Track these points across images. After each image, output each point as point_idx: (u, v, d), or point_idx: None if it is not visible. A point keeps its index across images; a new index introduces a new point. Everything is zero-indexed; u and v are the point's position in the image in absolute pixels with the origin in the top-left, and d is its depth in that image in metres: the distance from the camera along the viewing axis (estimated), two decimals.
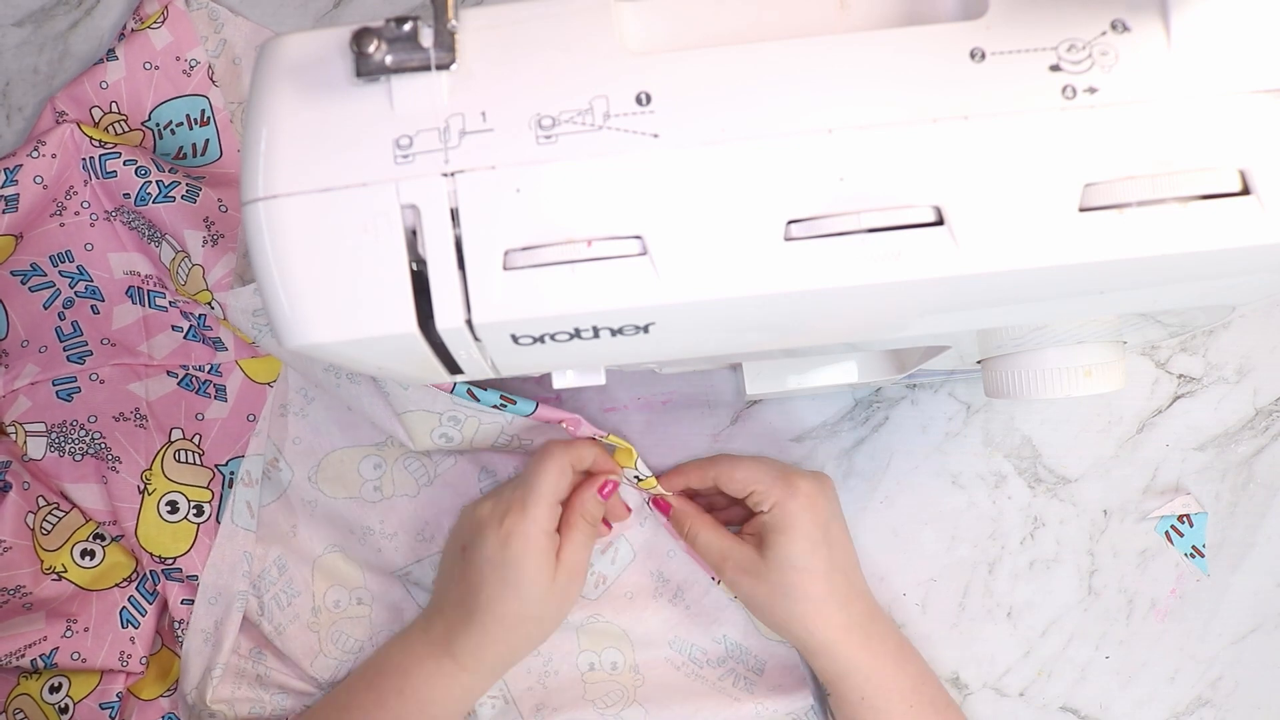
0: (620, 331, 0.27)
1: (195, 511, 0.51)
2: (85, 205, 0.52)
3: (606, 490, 0.46)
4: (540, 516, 0.43)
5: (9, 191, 0.49)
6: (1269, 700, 0.52)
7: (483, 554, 0.44)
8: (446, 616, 0.46)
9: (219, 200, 0.51)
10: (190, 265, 0.49)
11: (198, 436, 0.52)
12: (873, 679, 0.45)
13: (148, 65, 0.53)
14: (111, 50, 0.53)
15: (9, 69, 0.55)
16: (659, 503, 0.50)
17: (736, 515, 0.51)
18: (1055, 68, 0.25)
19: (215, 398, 0.52)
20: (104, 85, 0.52)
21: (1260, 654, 0.52)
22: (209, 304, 0.49)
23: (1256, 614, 0.52)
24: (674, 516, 0.49)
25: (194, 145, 0.53)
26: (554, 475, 0.44)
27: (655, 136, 0.25)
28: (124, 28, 0.54)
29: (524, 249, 0.25)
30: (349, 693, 0.48)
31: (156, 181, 0.50)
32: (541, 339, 0.27)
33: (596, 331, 0.27)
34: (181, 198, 0.50)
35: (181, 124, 0.53)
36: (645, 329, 0.27)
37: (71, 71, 0.54)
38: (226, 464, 0.52)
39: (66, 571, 0.49)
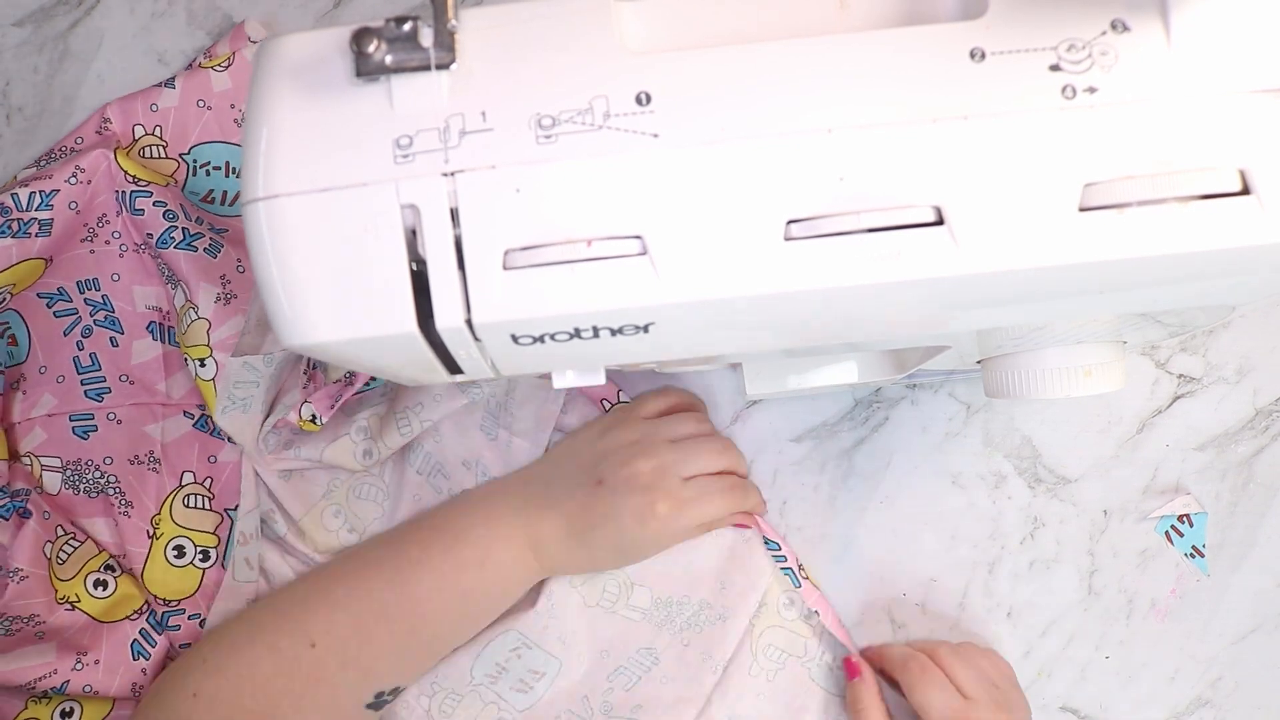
0: (620, 331, 0.27)
1: (201, 556, 0.51)
2: (116, 235, 0.52)
3: (744, 523, 0.51)
4: (691, 521, 0.46)
5: (44, 215, 0.49)
6: (1269, 700, 0.52)
7: (625, 513, 0.45)
8: (549, 521, 0.46)
9: (238, 260, 0.51)
10: (195, 318, 0.49)
11: (209, 480, 0.52)
12: None
13: (201, 103, 0.53)
14: (172, 79, 0.53)
15: (9, 69, 0.55)
16: (849, 665, 0.50)
17: None
18: (1055, 67, 0.25)
19: (230, 440, 0.52)
20: (154, 108, 0.53)
21: (1260, 654, 0.52)
22: (199, 360, 0.49)
23: (1256, 614, 0.52)
24: (853, 688, 0.49)
25: (224, 193, 0.53)
26: (728, 508, 0.48)
27: (655, 136, 0.25)
28: (193, 61, 0.54)
29: (524, 249, 0.25)
30: (421, 548, 0.47)
31: (182, 229, 0.50)
32: (541, 339, 0.27)
33: (596, 331, 0.27)
34: (204, 250, 0.50)
35: (219, 168, 0.53)
36: (645, 329, 0.27)
37: (71, 71, 0.54)
38: (236, 508, 0.52)
39: (80, 602, 0.49)
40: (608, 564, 0.49)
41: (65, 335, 0.52)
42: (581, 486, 0.46)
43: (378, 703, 0.46)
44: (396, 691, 0.47)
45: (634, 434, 0.48)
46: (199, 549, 0.51)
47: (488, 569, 0.46)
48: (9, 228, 0.48)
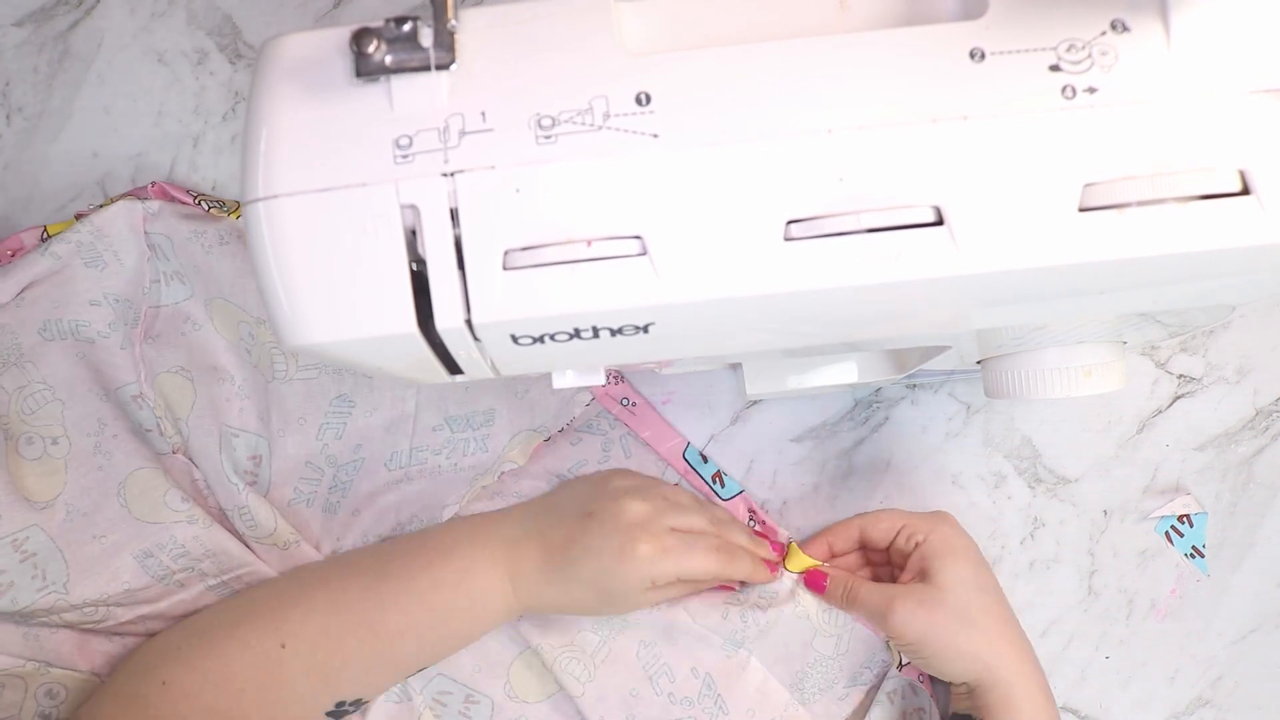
0: (620, 331, 0.27)
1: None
2: None
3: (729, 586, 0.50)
4: (671, 569, 0.45)
5: None
6: (1269, 700, 0.52)
7: (608, 547, 0.44)
8: (531, 549, 0.46)
9: None
10: None
11: None
12: (1033, 693, 0.45)
13: None
14: None
15: (9, 69, 0.55)
16: (812, 580, 0.49)
17: (881, 575, 0.50)
18: (1055, 68, 0.25)
19: None
20: None
21: (1260, 654, 0.52)
22: None
23: (1256, 614, 0.52)
24: (830, 583, 0.49)
25: None
26: (712, 567, 0.46)
27: (655, 136, 0.25)
28: None
29: (524, 249, 0.25)
30: (402, 561, 0.47)
31: None
32: (541, 339, 0.27)
33: (596, 331, 0.27)
34: None
35: None
36: (645, 329, 0.27)
37: (71, 71, 0.54)
38: None
39: None
40: (584, 605, 0.47)
41: None
42: (571, 516, 0.46)
43: (338, 711, 0.45)
44: (359, 703, 0.46)
45: (634, 480, 0.49)
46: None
47: (462, 592, 0.46)
48: None
